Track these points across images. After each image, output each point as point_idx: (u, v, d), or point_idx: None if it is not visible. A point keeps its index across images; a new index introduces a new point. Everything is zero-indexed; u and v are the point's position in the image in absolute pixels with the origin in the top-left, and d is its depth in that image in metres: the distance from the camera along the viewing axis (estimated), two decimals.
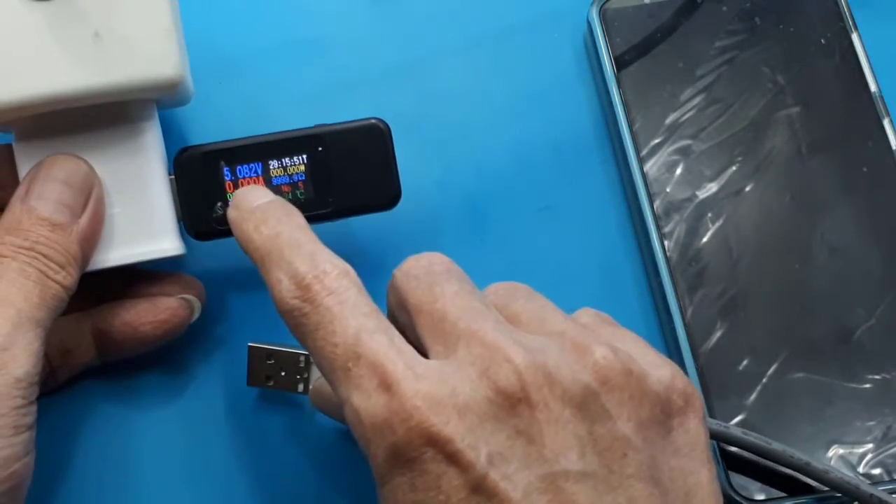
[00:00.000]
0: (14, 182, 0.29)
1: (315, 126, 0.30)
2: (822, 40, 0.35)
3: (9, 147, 0.29)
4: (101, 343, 0.30)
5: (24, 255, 0.26)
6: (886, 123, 0.34)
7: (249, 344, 0.30)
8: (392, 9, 0.37)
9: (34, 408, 0.26)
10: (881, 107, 0.34)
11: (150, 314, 0.30)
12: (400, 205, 0.30)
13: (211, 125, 0.34)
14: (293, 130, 0.30)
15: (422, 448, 0.21)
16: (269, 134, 0.30)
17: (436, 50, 0.36)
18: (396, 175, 0.30)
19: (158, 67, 0.27)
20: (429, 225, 0.34)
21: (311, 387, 0.29)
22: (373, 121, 0.30)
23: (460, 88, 0.36)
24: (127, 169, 0.29)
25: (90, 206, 0.28)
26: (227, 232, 0.29)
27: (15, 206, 0.27)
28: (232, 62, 0.35)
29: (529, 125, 0.35)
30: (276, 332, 0.32)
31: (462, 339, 0.23)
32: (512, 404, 0.22)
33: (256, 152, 0.30)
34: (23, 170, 0.29)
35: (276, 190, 0.29)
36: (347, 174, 0.30)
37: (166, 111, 0.33)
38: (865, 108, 0.34)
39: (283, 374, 0.30)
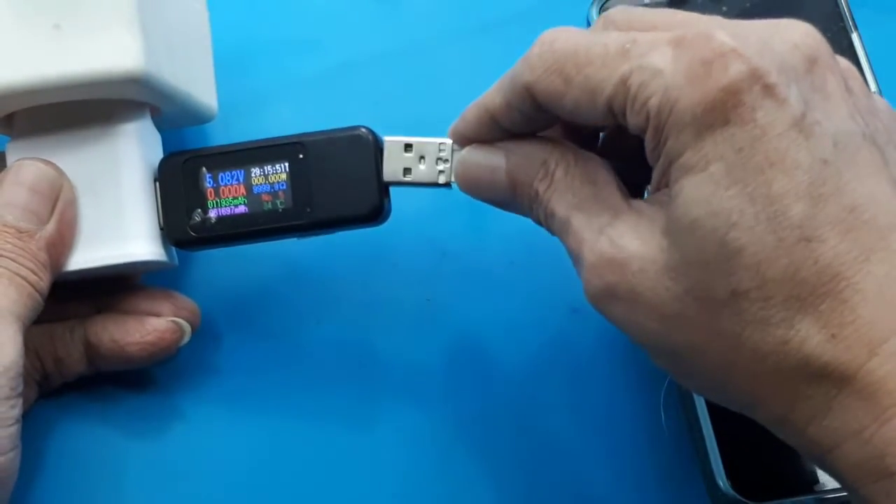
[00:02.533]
0: None
1: (300, 133, 0.29)
2: None
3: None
4: (91, 355, 0.30)
5: None
6: None
7: (386, 139, 0.28)
8: (392, 8, 0.37)
9: (20, 401, 0.26)
10: None
11: (138, 334, 0.30)
12: (399, 204, 0.30)
13: (210, 125, 0.34)
14: (277, 137, 0.29)
15: (742, 83, 0.21)
16: (253, 141, 0.29)
17: (436, 50, 0.36)
18: (379, 188, 0.28)
19: (119, 60, 0.27)
20: (429, 225, 0.34)
21: (459, 165, 0.27)
22: (360, 130, 0.29)
23: (460, 88, 0.35)
24: (105, 170, 0.29)
25: (57, 211, 0.28)
26: (203, 240, 0.29)
27: None
28: (232, 62, 0.35)
29: None
30: (276, 337, 0.33)
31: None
32: (810, 62, 0.22)
33: (238, 159, 0.29)
34: None
35: (257, 199, 0.29)
36: (329, 185, 0.28)
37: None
38: None
39: (421, 165, 0.28)
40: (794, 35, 0.22)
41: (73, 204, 0.28)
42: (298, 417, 0.32)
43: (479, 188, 0.27)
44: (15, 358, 0.25)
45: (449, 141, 0.27)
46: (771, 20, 0.23)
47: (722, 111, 0.21)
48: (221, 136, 0.34)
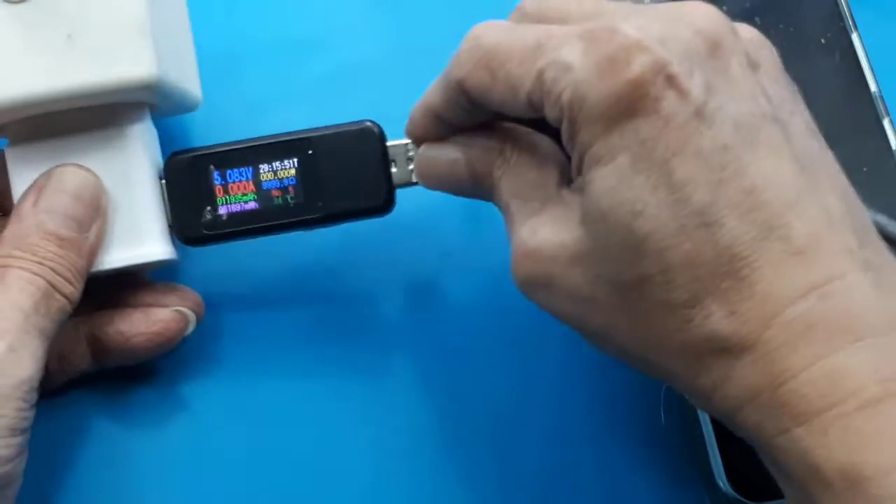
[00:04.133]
0: (4, 187, 0.29)
1: (306, 129, 0.30)
2: (822, 40, 0.35)
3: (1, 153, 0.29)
4: (96, 350, 0.30)
5: (34, 268, 0.26)
6: (886, 123, 0.34)
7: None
8: (392, 8, 0.37)
9: (32, 413, 0.26)
10: (881, 107, 0.34)
11: (143, 325, 0.30)
12: (399, 204, 0.30)
13: (210, 125, 0.34)
14: (284, 133, 0.30)
15: (646, 75, 0.21)
16: (260, 137, 0.30)
17: (436, 50, 0.36)
18: (389, 179, 0.29)
19: (133, 68, 0.27)
20: (429, 224, 0.34)
21: (417, 163, 0.29)
22: (366, 123, 0.30)
23: None
24: (115, 173, 0.29)
25: (99, 220, 0.28)
26: (215, 237, 0.29)
27: (23, 217, 0.27)
28: (231, 61, 0.35)
29: None
30: (275, 338, 0.33)
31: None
32: (712, 46, 0.22)
33: (246, 156, 0.29)
34: (14, 173, 0.29)
35: (266, 194, 0.29)
36: (339, 178, 0.29)
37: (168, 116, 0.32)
38: (865, 108, 0.34)
39: (394, 168, 0.30)
40: (696, 20, 0.23)
41: (108, 213, 0.28)
42: (298, 410, 0.32)
43: (440, 183, 0.28)
44: (32, 373, 0.25)
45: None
46: (675, 3, 0.24)
47: (628, 104, 0.22)
48: (222, 136, 0.34)
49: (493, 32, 0.25)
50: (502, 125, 0.27)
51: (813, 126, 0.24)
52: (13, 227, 0.27)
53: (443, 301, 0.33)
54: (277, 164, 0.29)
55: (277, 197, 0.29)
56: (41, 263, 0.26)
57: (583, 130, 0.23)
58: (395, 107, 0.35)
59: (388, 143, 0.30)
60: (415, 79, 0.36)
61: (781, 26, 0.35)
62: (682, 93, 0.21)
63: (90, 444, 0.31)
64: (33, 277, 0.26)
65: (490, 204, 0.32)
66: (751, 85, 0.23)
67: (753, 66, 0.23)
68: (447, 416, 0.32)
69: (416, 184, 0.29)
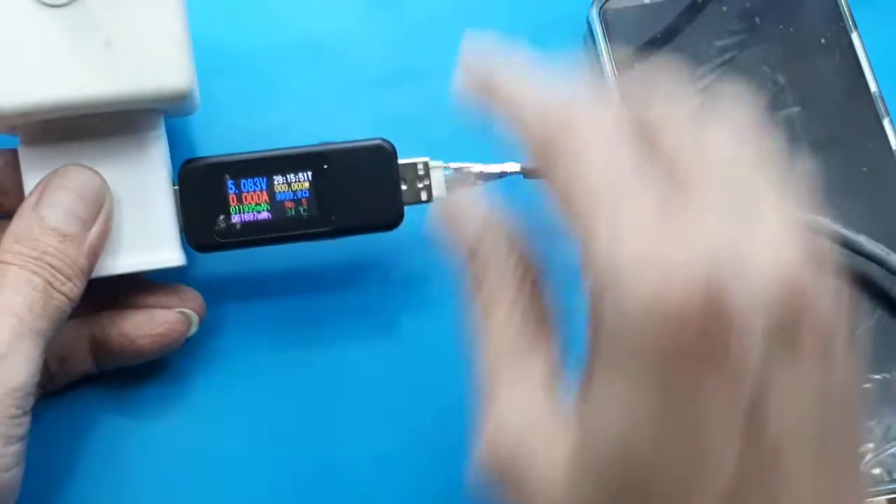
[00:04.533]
0: (17, 188, 0.29)
1: (321, 143, 0.30)
2: (822, 40, 0.35)
3: (14, 151, 0.29)
4: (98, 352, 0.30)
5: (32, 264, 0.26)
6: (886, 123, 0.34)
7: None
8: (392, 11, 0.37)
9: (28, 419, 0.26)
10: (881, 107, 0.34)
11: (148, 327, 0.29)
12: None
13: (209, 126, 0.34)
14: (299, 147, 0.30)
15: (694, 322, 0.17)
16: (275, 149, 0.30)
17: (436, 49, 0.36)
18: (400, 196, 0.30)
19: (169, 78, 0.27)
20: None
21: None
22: (379, 141, 0.30)
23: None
24: (131, 178, 0.29)
25: (100, 219, 0.28)
26: (227, 245, 0.29)
27: (25, 214, 0.27)
28: (231, 62, 0.35)
29: None
30: (276, 337, 0.33)
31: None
32: (789, 310, 0.18)
33: (261, 167, 0.30)
34: (27, 175, 0.29)
35: (280, 205, 0.30)
36: (351, 193, 0.30)
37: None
38: (865, 108, 0.34)
39: (403, 186, 0.30)
40: (776, 258, 0.18)
41: (112, 214, 0.28)
42: (298, 410, 0.32)
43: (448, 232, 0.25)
44: (26, 378, 0.25)
45: (425, 159, 0.30)
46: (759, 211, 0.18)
47: (661, 350, 0.17)
48: (222, 136, 0.34)
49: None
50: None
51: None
52: (15, 221, 0.27)
53: (443, 300, 0.33)
54: (292, 175, 0.30)
55: (290, 208, 0.30)
56: (40, 259, 0.26)
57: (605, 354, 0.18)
58: (396, 107, 0.35)
59: (400, 162, 0.30)
60: (415, 80, 0.36)
61: (781, 26, 0.35)
62: (728, 374, 0.17)
63: (91, 439, 0.31)
64: (30, 276, 0.26)
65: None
66: (812, 388, 0.18)
67: (827, 349, 0.18)
68: (449, 416, 0.32)
69: (424, 202, 0.30)
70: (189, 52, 0.28)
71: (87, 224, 0.27)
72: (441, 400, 0.32)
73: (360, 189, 0.30)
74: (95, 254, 0.28)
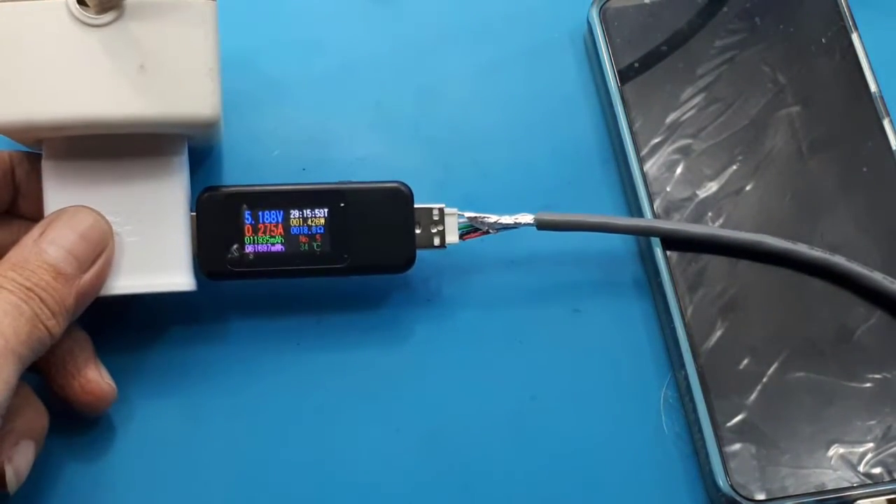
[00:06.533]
0: (37, 195, 0.29)
1: (339, 181, 0.30)
2: (822, 40, 0.35)
3: (40, 157, 0.29)
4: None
5: (23, 293, 0.26)
6: (886, 123, 0.34)
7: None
8: (392, 9, 0.37)
9: None
10: (881, 107, 0.34)
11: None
12: None
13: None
14: (318, 183, 0.30)
15: None
16: (294, 183, 0.30)
17: (436, 49, 0.36)
18: (413, 240, 0.30)
19: (198, 106, 0.28)
20: None
21: None
22: (396, 184, 0.30)
23: (460, 88, 0.36)
24: (151, 200, 0.29)
25: (99, 262, 0.28)
26: (238, 274, 0.30)
27: (26, 245, 0.27)
28: (232, 63, 0.35)
29: (529, 125, 0.35)
30: (277, 341, 0.33)
31: None
32: None
33: (279, 200, 0.30)
34: (48, 187, 0.29)
35: (294, 239, 0.30)
36: (365, 233, 0.30)
37: None
38: (865, 108, 0.34)
39: (417, 230, 0.31)
40: None
41: (111, 262, 0.29)
42: (299, 409, 0.32)
43: None
44: (1, 401, 0.25)
45: (441, 206, 0.31)
46: None
47: None
48: (222, 137, 0.34)
49: None
50: None
51: None
52: (16, 250, 0.27)
53: (442, 300, 0.33)
54: (308, 211, 0.30)
55: (304, 243, 0.30)
56: (31, 290, 0.26)
57: None
58: (396, 108, 0.35)
59: (416, 206, 0.30)
60: (415, 80, 0.36)
61: (782, 26, 0.35)
62: None
63: (92, 444, 0.31)
64: (20, 304, 0.26)
65: (489, 206, 0.32)
66: None
67: None
68: (451, 415, 0.32)
69: (437, 247, 0.31)
70: (218, 83, 0.28)
71: (84, 266, 0.28)
72: (445, 398, 0.32)
73: (375, 230, 0.30)
74: (85, 296, 0.28)
